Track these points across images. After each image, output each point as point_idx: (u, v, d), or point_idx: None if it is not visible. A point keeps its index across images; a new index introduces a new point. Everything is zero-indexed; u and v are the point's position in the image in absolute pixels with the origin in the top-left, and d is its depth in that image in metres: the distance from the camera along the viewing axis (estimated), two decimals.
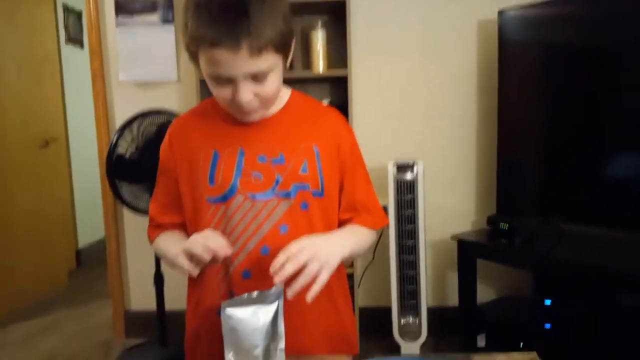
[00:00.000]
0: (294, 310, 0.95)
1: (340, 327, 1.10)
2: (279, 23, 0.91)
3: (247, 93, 0.92)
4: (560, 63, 2.14)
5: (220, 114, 1.03)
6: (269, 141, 1.02)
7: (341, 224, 1.09)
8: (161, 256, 1.09)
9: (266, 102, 0.98)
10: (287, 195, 1.00)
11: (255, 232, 0.99)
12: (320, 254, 0.88)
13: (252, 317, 0.82)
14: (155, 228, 1.12)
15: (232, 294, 1.00)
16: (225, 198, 1.00)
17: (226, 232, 0.99)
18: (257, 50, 0.88)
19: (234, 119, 1.02)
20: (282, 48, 0.93)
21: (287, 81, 2.40)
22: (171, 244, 1.04)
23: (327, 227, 1.05)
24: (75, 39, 3.97)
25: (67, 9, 3.87)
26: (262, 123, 1.03)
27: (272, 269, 0.86)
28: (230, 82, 0.92)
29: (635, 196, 1.92)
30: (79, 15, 4.00)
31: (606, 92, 2.01)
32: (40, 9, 3.47)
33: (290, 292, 0.86)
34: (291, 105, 1.07)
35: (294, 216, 1.00)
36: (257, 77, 0.92)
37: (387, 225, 2.24)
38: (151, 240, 1.12)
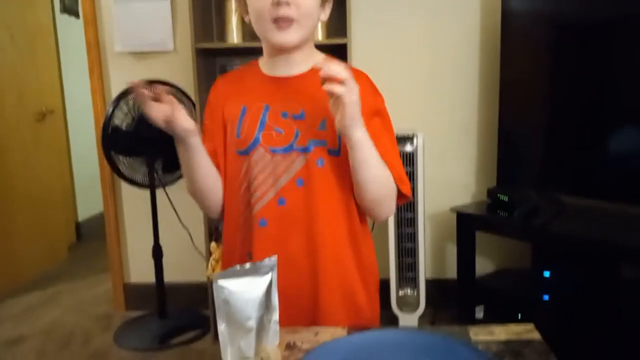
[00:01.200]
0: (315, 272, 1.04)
1: (360, 297, 1.11)
2: None
3: None
4: (564, 33, 2.09)
5: (255, 73, 1.11)
6: (293, 98, 1.07)
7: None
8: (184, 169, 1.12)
9: (300, 16, 1.01)
10: (304, 151, 1.04)
11: (273, 184, 1.05)
12: (352, 91, 0.92)
13: (245, 289, 0.81)
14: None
15: (250, 241, 1.07)
16: (248, 151, 1.06)
17: (249, 182, 1.06)
18: None
19: (264, 77, 1.09)
20: None
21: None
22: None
23: (344, 188, 1.06)
24: (70, 9, 3.89)
25: None
26: (290, 81, 1.08)
27: (320, 66, 0.92)
28: None
29: (634, 169, 1.89)
30: None
31: (610, 64, 1.97)
32: None
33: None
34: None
35: (310, 172, 1.04)
36: None
37: None
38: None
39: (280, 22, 1.00)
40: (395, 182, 1.06)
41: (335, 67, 0.91)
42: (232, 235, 1.12)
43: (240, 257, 1.09)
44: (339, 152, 1.05)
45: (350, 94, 0.92)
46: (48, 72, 3.54)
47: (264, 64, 1.12)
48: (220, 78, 1.19)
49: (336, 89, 0.91)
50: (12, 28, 3.14)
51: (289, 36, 1.03)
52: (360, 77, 1.09)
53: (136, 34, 2.54)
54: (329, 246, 1.06)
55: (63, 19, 3.79)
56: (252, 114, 1.07)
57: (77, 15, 3.94)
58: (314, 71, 1.04)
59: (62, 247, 3.61)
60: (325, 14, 1.09)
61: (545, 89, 2.20)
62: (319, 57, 1.08)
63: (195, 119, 1.08)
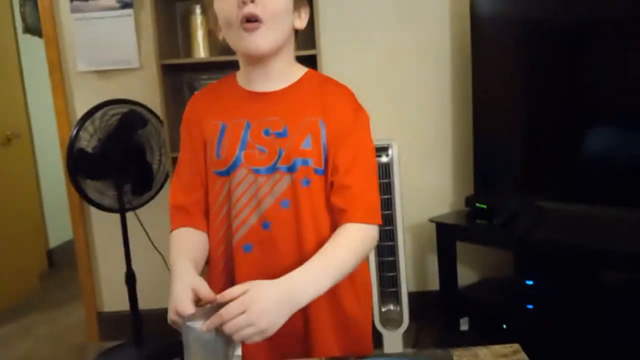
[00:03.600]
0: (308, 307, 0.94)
1: (352, 326, 1.06)
2: None
3: None
4: (534, 38, 2.08)
5: (233, 87, 1.05)
6: (275, 114, 1.00)
7: (332, 210, 1.00)
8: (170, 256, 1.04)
9: (269, 23, 0.95)
10: (290, 170, 0.99)
11: (256, 207, 0.99)
12: (261, 322, 0.81)
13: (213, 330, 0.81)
14: (179, 211, 1.06)
15: (232, 269, 1.02)
16: (229, 171, 1.00)
17: (230, 206, 1.01)
18: None
19: (243, 91, 1.03)
20: None
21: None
22: (181, 253, 1.00)
23: (327, 207, 1.01)
24: (33, 29, 3.78)
25: None
26: (271, 96, 1.02)
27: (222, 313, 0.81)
28: None
29: (614, 172, 1.87)
30: (35, 2, 3.81)
31: (583, 66, 1.96)
32: None
33: (205, 327, 0.81)
34: (303, 80, 1.04)
35: (296, 192, 0.99)
36: None
37: None
38: (173, 228, 1.07)
39: (248, 23, 0.94)
40: (369, 222, 1.00)
41: (228, 312, 0.80)
42: (214, 262, 1.06)
43: (224, 285, 1.01)
44: (324, 170, 1.00)
45: (254, 329, 0.80)
46: (12, 95, 3.43)
47: (242, 78, 1.06)
48: (197, 94, 1.13)
49: (243, 333, 0.80)
50: None
51: (259, 39, 0.96)
52: (343, 92, 1.05)
53: (100, 52, 2.46)
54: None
55: (26, 39, 3.68)
56: (232, 131, 1.01)
57: (40, 35, 3.83)
58: (297, 84, 1.03)
59: (34, 275, 3.47)
60: (301, 21, 1.03)
61: (519, 94, 2.18)
62: (301, 72, 1.05)
63: (163, 136, 1.04)
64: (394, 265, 2.18)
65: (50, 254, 3.81)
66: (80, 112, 2.48)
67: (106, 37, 2.45)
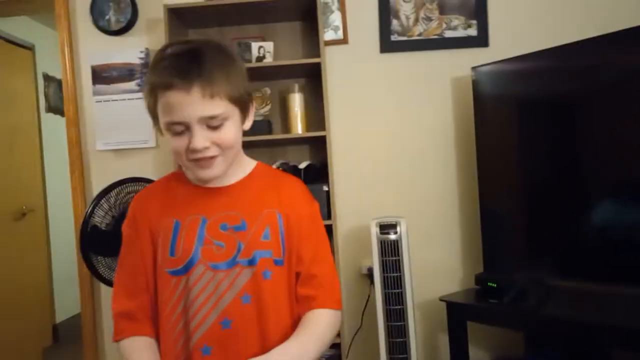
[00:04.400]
0: None
1: None
2: (234, 77, 0.94)
3: (201, 139, 0.92)
4: (534, 114, 2.15)
5: (183, 183, 1.02)
6: (231, 208, 0.99)
7: (303, 301, 1.02)
8: None
9: (224, 153, 0.96)
10: (249, 263, 0.97)
11: (215, 304, 0.95)
12: None
13: None
14: (125, 319, 1.02)
15: None
16: (186, 269, 0.96)
17: (186, 306, 0.96)
18: (209, 94, 0.90)
19: (196, 187, 1.01)
20: (236, 101, 0.95)
21: (267, 143, 2.37)
22: None
23: (287, 299, 1.01)
24: (56, 108, 3.96)
25: (47, 78, 3.89)
26: (225, 191, 1.02)
27: None
28: (186, 131, 0.92)
29: (622, 248, 1.87)
30: (59, 83, 4.02)
31: (582, 140, 2.00)
32: (19, 77, 3.48)
33: None
34: (255, 174, 1.06)
35: (257, 286, 0.96)
36: (212, 124, 0.92)
37: (373, 289, 2.16)
38: (120, 337, 1.03)
39: (202, 161, 0.95)
40: (336, 308, 1.04)
41: None
42: None
43: None
44: (283, 260, 1.00)
45: None
46: (30, 171, 3.53)
47: (191, 174, 1.03)
48: (141, 192, 1.09)
49: None
50: None
51: (214, 171, 0.97)
52: (294, 184, 1.09)
53: (118, 132, 2.57)
54: None
55: (48, 118, 3.84)
56: (187, 228, 0.98)
57: (62, 114, 4.01)
58: (249, 177, 1.04)
59: (38, 350, 3.41)
60: (248, 123, 1.01)
61: (522, 171, 2.22)
62: (251, 165, 1.07)
63: None
64: (404, 347, 2.13)
65: (56, 328, 3.77)
66: (96, 189, 2.55)
67: (124, 117, 2.56)
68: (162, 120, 0.93)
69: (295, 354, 0.93)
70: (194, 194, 1.01)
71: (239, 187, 1.02)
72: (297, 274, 1.03)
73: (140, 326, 1.01)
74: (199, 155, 0.93)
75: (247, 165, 1.07)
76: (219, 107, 0.91)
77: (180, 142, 0.93)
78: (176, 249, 0.97)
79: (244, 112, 0.97)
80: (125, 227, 1.05)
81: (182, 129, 0.92)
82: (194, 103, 0.89)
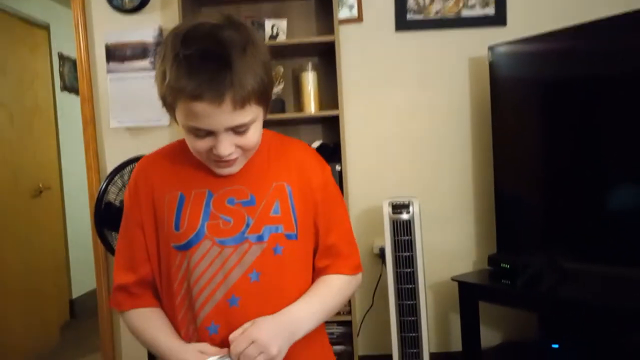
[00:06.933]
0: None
1: None
2: (260, 72, 0.88)
3: (228, 146, 0.88)
4: (551, 95, 2.11)
5: (189, 155, 0.97)
6: (238, 183, 0.96)
7: (319, 271, 1.02)
8: (140, 338, 0.98)
9: (246, 153, 0.94)
10: (259, 239, 0.93)
11: (222, 281, 0.92)
12: (271, 348, 0.87)
13: None
14: (123, 293, 1.00)
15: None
16: (190, 244, 0.93)
17: (191, 283, 0.93)
18: (240, 103, 0.84)
19: (201, 161, 0.97)
20: (264, 99, 0.90)
21: (279, 122, 2.35)
22: (162, 334, 0.96)
23: (301, 274, 0.99)
24: (71, 87, 3.98)
25: (62, 57, 3.90)
26: None
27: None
28: (209, 135, 0.88)
29: (638, 230, 1.84)
30: (74, 63, 4.03)
31: (603, 123, 1.97)
32: (35, 57, 3.49)
33: None
34: (263, 145, 1.01)
35: (266, 262, 0.94)
36: (239, 130, 0.88)
37: (384, 268, 2.16)
38: (120, 309, 1.01)
39: (223, 162, 0.92)
40: (352, 273, 1.04)
41: (237, 346, 0.87)
42: None
43: None
44: (296, 235, 0.96)
45: (268, 351, 0.87)
46: (46, 149, 3.57)
47: None
48: (145, 161, 1.03)
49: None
50: (10, 107, 3.20)
51: (234, 169, 0.95)
52: (301, 150, 1.05)
53: (132, 110, 2.58)
54: (294, 348, 0.93)
55: (63, 97, 3.87)
56: (193, 202, 0.95)
57: (77, 92, 4.03)
58: (258, 149, 0.98)
59: (54, 328, 3.48)
60: (268, 110, 0.96)
61: (539, 152, 2.19)
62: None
63: None
64: (415, 326, 2.14)
65: (73, 304, 3.84)
66: (110, 166, 2.57)
67: (138, 96, 2.57)
68: (183, 122, 0.88)
69: (311, 312, 0.95)
70: (200, 165, 0.96)
71: (247, 161, 0.98)
72: (315, 247, 1.02)
73: (139, 300, 0.99)
74: (223, 161, 0.91)
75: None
76: (250, 113, 0.87)
77: (202, 145, 0.89)
78: (181, 224, 0.94)
79: (268, 104, 0.93)
80: (126, 196, 1.01)
81: (205, 133, 0.87)
82: (224, 115, 0.84)
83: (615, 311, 1.74)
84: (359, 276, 1.08)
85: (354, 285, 1.06)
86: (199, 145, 0.89)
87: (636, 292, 1.85)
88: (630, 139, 1.88)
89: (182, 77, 0.83)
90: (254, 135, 0.91)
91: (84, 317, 3.71)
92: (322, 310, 0.98)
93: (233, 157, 0.91)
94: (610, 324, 1.83)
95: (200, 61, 0.83)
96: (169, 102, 0.89)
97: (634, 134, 1.86)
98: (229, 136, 0.88)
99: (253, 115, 0.88)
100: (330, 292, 1.00)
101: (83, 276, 3.85)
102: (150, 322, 0.98)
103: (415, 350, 2.15)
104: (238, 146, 0.90)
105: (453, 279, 2.17)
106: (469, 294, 2.12)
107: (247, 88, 0.84)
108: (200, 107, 0.83)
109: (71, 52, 3.96)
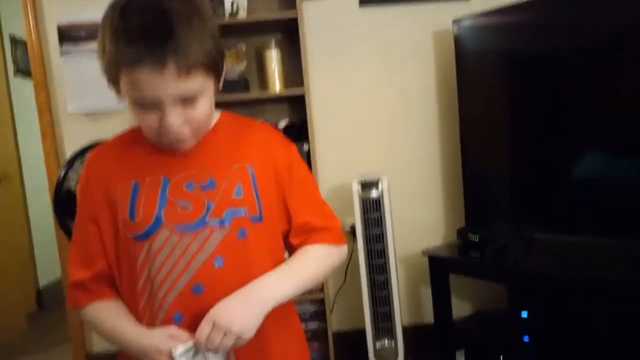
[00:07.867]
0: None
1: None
2: (208, 42, 0.84)
3: (176, 117, 0.85)
4: (517, 68, 2.12)
5: (142, 142, 0.94)
6: (196, 166, 0.93)
7: (295, 248, 1.00)
8: (100, 328, 0.95)
9: (197, 128, 0.90)
10: (221, 223, 0.90)
11: (185, 268, 0.89)
12: (233, 327, 0.85)
13: None
14: (80, 289, 0.96)
15: None
16: (149, 233, 0.90)
17: (152, 273, 0.90)
18: (185, 70, 0.81)
19: (155, 146, 0.93)
20: (212, 69, 0.86)
21: (243, 103, 2.28)
22: (125, 322, 0.92)
23: (269, 257, 0.96)
24: (26, 71, 3.81)
25: (14, 40, 3.72)
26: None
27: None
28: (156, 107, 0.84)
29: (603, 201, 1.89)
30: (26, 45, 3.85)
31: (567, 96, 1.99)
32: None
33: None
34: (220, 126, 0.98)
35: (230, 247, 0.90)
36: (187, 101, 0.85)
37: (355, 245, 2.16)
38: (77, 306, 0.97)
39: (174, 137, 0.89)
40: (333, 243, 1.03)
41: (200, 333, 0.85)
42: None
43: None
44: (260, 217, 0.94)
45: (231, 331, 0.85)
46: (3, 136, 3.43)
47: None
48: (95, 152, 1.00)
49: (224, 343, 0.85)
50: None
51: (187, 144, 0.91)
52: (264, 130, 1.02)
53: (89, 95, 2.48)
54: (260, 332, 0.90)
55: (17, 81, 3.70)
56: (148, 189, 0.91)
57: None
58: (213, 131, 0.96)
59: (21, 317, 3.40)
60: (220, 84, 0.93)
61: (505, 126, 2.21)
62: (215, 117, 0.98)
63: None
64: (387, 300, 2.16)
65: (40, 294, 3.75)
66: (69, 153, 2.47)
67: (96, 79, 2.46)
68: (129, 94, 0.84)
69: (279, 279, 0.93)
70: (153, 151, 0.93)
71: (204, 143, 0.94)
72: (289, 229, 1.00)
73: (97, 295, 0.96)
74: (173, 134, 0.87)
75: (212, 117, 0.99)
76: (196, 82, 0.83)
77: (151, 120, 0.85)
78: (136, 213, 0.90)
79: (218, 77, 0.90)
80: (78, 190, 0.98)
81: (151, 105, 0.84)
82: (168, 81, 0.80)
83: (577, 280, 1.79)
84: (344, 247, 1.06)
85: (336, 255, 1.04)
86: (147, 120, 0.86)
87: (598, 260, 1.90)
88: (596, 111, 1.90)
89: (121, 46, 0.81)
90: (204, 108, 0.88)
91: (52, 307, 3.63)
92: (295, 277, 0.95)
93: (183, 132, 0.87)
94: (573, 293, 1.88)
95: (140, 31, 0.80)
96: (113, 76, 0.86)
97: (600, 106, 1.89)
98: (177, 108, 0.84)
99: (200, 84, 0.85)
100: (304, 259, 0.98)
101: (49, 264, 3.76)
102: (110, 311, 0.95)
103: (388, 324, 2.17)
104: (187, 120, 0.87)
105: (423, 253, 2.19)
106: (439, 267, 2.15)
107: (192, 55, 0.81)
108: (142, 74, 0.80)
109: (24, 34, 3.79)
